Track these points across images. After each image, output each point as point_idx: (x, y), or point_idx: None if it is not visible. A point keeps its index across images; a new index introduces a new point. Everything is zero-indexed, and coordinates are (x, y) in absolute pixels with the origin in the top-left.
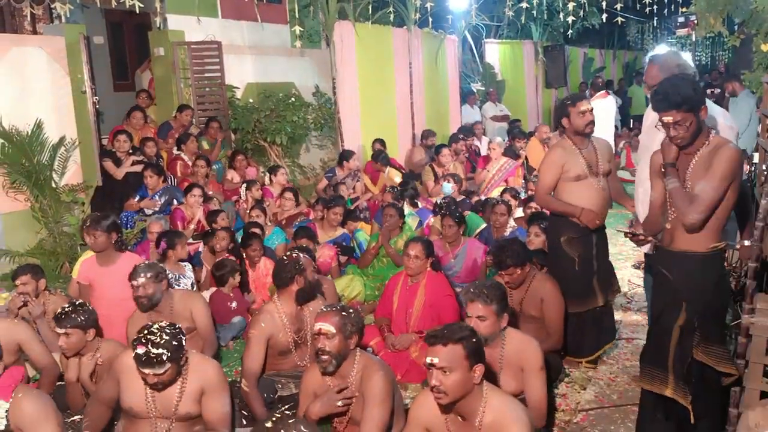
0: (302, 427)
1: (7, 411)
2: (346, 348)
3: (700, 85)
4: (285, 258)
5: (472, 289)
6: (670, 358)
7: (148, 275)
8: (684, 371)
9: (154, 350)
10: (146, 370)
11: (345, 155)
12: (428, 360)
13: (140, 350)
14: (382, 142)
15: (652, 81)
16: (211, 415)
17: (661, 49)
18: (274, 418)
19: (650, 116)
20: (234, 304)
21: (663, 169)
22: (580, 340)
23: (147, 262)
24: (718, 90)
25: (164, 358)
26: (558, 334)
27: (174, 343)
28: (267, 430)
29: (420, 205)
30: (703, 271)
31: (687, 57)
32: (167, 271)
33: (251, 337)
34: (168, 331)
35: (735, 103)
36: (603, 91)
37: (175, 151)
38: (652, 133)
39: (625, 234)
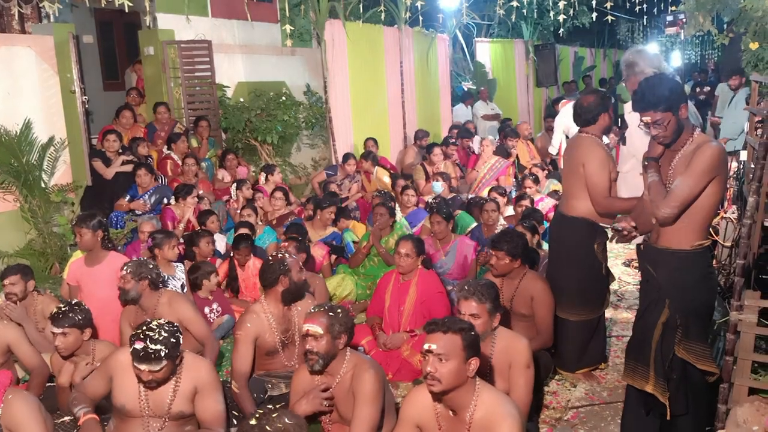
0: (286, 419)
1: None
2: (334, 348)
3: (680, 85)
4: (270, 258)
5: (466, 287)
6: (651, 354)
7: (129, 271)
8: (664, 367)
9: (153, 346)
10: (143, 366)
11: (344, 158)
12: (426, 346)
13: (138, 345)
14: (374, 141)
15: (624, 78)
16: (205, 414)
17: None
18: (257, 415)
19: (632, 119)
20: (215, 306)
21: (645, 163)
22: (585, 350)
23: (140, 259)
24: (708, 88)
25: (162, 354)
26: (548, 332)
27: (172, 340)
28: (251, 428)
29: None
30: (686, 268)
31: (670, 56)
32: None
33: (238, 337)
34: (166, 328)
35: (736, 100)
36: (564, 100)
37: (165, 151)
38: (632, 135)
39: (616, 229)
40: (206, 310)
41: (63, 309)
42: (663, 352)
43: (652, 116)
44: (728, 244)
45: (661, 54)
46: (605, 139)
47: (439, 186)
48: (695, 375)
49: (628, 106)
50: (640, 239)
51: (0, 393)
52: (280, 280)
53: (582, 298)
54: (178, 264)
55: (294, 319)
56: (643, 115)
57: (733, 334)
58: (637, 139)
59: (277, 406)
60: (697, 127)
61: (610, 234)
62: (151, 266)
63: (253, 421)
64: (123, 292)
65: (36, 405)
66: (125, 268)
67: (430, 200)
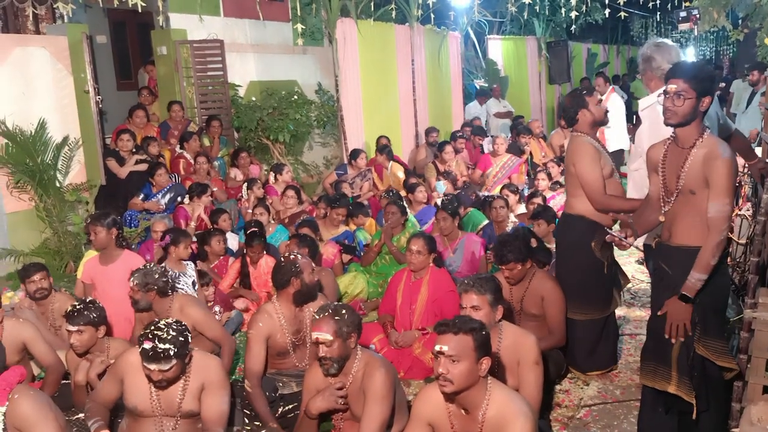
0: None
1: (3, 414)
2: (346, 350)
3: (715, 78)
4: (283, 259)
5: (465, 281)
6: (674, 354)
7: (136, 283)
8: (687, 366)
9: (162, 345)
10: (152, 366)
11: (353, 154)
12: (437, 348)
13: (147, 345)
14: (387, 139)
15: (640, 72)
16: (208, 412)
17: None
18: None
19: (645, 116)
20: (217, 309)
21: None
22: (594, 350)
23: (145, 268)
24: (723, 84)
25: (171, 353)
26: (560, 332)
27: (181, 339)
28: None
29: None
30: None
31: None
32: (169, 271)
33: (250, 337)
34: (174, 327)
35: (759, 96)
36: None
37: (178, 150)
38: (641, 135)
39: (609, 237)
40: None
41: (78, 307)
42: (686, 351)
43: (679, 85)
44: (743, 241)
45: None
46: (623, 141)
47: (441, 186)
48: (714, 372)
49: (642, 103)
50: (641, 240)
51: (6, 391)
52: (291, 281)
53: (585, 298)
54: (188, 262)
55: (306, 320)
56: (671, 82)
57: (748, 332)
58: (646, 138)
59: (290, 406)
60: (707, 128)
61: (595, 246)
62: (157, 275)
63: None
64: (134, 302)
65: (45, 402)
66: (132, 279)
67: (441, 198)
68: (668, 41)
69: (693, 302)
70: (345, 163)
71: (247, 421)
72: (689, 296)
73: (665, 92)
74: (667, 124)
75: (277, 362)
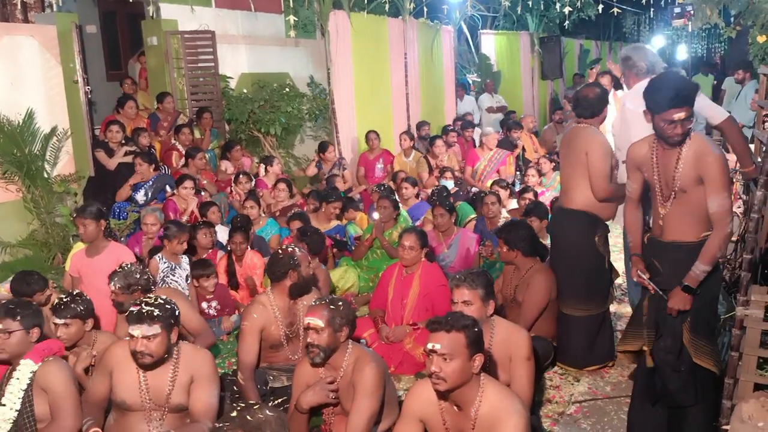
0: (267, 411)
1: (33, 372)
2: (335, 341)
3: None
4: (280, 252)
5: (457, 276)
6: (644, 316)
7: (119, 286)
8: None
9: (147, 308)
10: (137, 330)
11: (321, 147)
12: (429, 346)
13: (134, 309)
14: (376, 134)
15: (623, 74)
16: (196, 405)
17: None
18: (238, 408)
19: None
20: (214, 303)
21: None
22: (593, 346)
23: (123, 269)
24: (715, 82)
25: (155, 314)
26: (526, 320)
27: (167, 306)
28: (232, 419)
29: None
30: (694, 260)
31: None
32: (164, 261)
33: (244, 329)
34: (163, 297)
35: (744, 92)
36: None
37: (173, 141)
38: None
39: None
40: (204, 305)
41: (65, 300)
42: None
43: (686, 111)
44: (734, 238)
45: (668, 47)
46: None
47: (451, 183)
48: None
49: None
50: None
51: (44, 353)
52: (289, 274)
53: (586, 293)
54: (183, 255)
55: (299, 312)
56: (677, 111)
57: (739, 330)
58: (634, 128)
59: (279, 400)
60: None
61: (598, 241)
62: (138, 275)
63: (234, 413)
64: (117, 305)
65: (74, 380)
66: (113, 283)
67: (431, 190)
68: (644, 45)
69: (695, 293)
70: (319, 162)
71: None
72: (692, 287)
73: (670, 120)
74: (672, 144)
75: (270, 355)
